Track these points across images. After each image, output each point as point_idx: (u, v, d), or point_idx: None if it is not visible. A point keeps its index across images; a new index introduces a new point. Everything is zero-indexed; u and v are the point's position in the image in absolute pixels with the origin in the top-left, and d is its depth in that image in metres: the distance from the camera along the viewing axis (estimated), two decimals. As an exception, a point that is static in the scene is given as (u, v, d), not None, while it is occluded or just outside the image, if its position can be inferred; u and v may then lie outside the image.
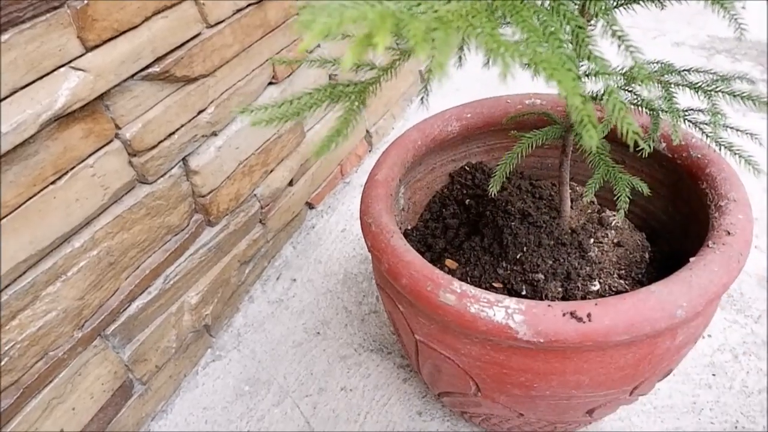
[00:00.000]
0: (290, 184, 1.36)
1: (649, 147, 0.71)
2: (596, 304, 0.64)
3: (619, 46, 0.53)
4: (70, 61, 0.76)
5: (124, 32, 0.82)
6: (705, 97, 0.69)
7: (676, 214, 0.92)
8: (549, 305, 0.64)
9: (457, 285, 0.68)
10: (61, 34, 0.74)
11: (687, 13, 2.26)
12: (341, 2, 0.31)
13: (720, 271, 0.67)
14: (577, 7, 0.65)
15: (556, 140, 0.83)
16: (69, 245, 0.83)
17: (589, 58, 0.48)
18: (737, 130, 0.72)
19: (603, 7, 0.51)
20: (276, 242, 1.37)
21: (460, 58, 0.74)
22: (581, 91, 0.36)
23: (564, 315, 0.63)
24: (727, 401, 1.00)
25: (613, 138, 0.90)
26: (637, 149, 0.76)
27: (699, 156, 0.84)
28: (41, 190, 0.77)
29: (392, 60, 0.65)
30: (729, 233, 0.71)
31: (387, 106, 1.75)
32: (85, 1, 0.75)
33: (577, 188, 0.99)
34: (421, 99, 0.58)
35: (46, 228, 0.79)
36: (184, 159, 1.01)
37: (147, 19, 0.85)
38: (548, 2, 0.46)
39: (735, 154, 0.69)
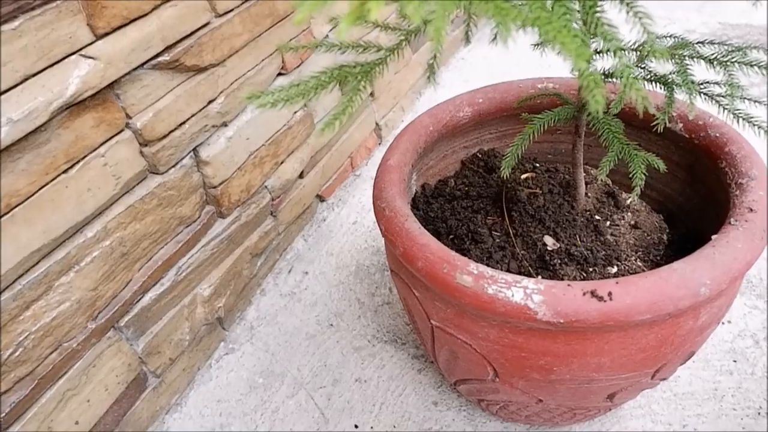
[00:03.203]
0: (301, 176, 1.35)
1: (665, 122, 0.70)
2: (617, 283, 0.62)
3: (627, 12, 0.52)
4: (81, 49, 0.76)
5: (134, 20, 0.82)
6: (721, 68, 0.67)
7: (694, 195, 0.90)
8: (569, 285, 0.63)
9: (474, 266, 0.66)
10: (71, 22, 0.73)
11: (697, 1, 2.24)
12: None
13: (743, 248, 0.65)
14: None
15: (569, 124, 0.82)
16: (82, 235, 0.83)
17: (596, 26, 0.47)
18: (755, 101, 0.70)
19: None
20: (287, 235, 1.36)
21: (467, 34, 0.73)
22: (587, 55, 0.35)
23: (584, 294, 0.62)
24: (749, 387, 0.98)
25: (629, 120, 0.89)
26: (653, 126, 0.74)
27: (717, 135, 0.82)
28: (54, 178, 0.77)
29: (399, 41, 0.64)
30: (751, 210, 0.69)
31: (396, 98, 1.74)
32: (95, -11, 0.75)
33: (592, 171, 0.98)
34: (428, 77, 0.57)
35: (59, 217, 0.79)
36: (194, 149, 1.00)
37: (156, 7, 0.85)
38: None
39: (754, 125, 0.67)
